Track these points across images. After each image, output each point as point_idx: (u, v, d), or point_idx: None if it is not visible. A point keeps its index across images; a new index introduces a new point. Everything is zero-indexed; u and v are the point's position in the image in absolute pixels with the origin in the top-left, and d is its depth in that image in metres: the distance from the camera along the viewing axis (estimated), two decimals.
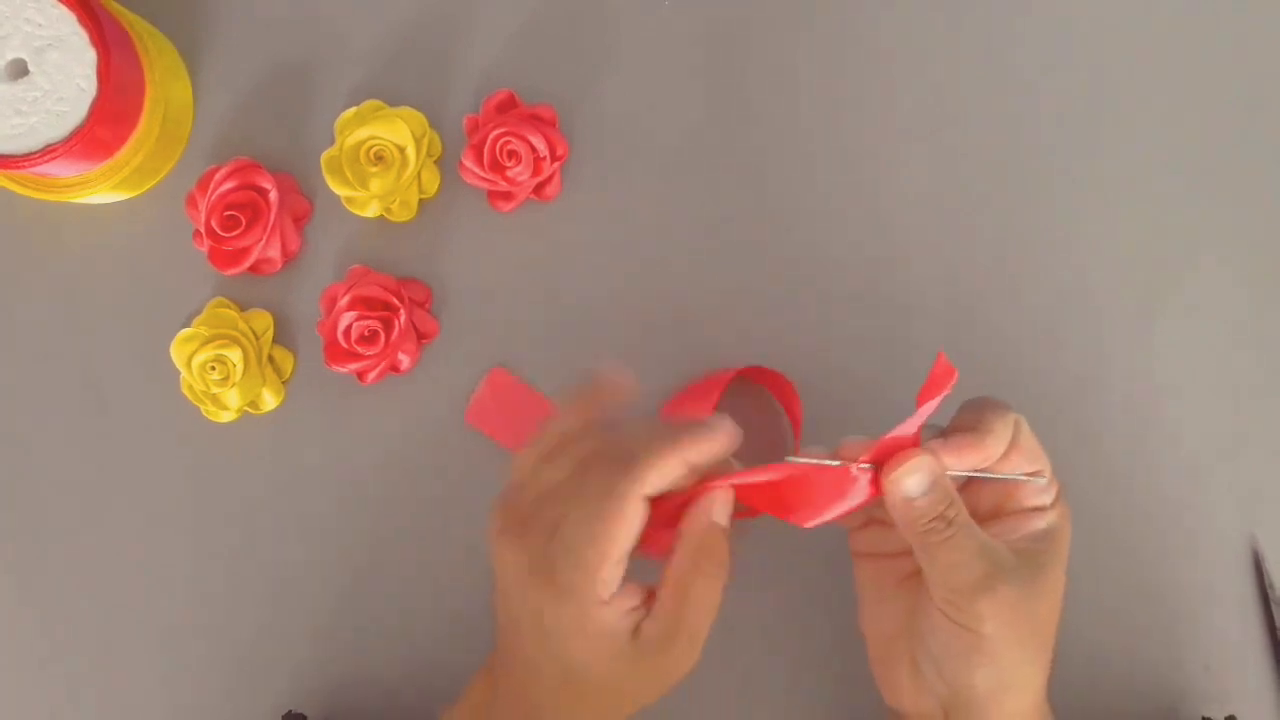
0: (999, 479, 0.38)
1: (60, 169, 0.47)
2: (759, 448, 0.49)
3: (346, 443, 0.50)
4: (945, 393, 0.36)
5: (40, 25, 0.45)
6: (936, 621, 0.37)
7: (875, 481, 0.37)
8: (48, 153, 0.45)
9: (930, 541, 0.37)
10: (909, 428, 0.36)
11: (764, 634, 0.49)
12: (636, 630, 0.37)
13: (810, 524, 0.37)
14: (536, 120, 0.49)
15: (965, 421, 0.38)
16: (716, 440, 0.38)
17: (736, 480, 0.37)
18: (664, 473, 0.36)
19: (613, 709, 0.39)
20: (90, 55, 0.45)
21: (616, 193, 0.51)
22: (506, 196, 0.50)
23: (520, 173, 0.49)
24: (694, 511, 0.38)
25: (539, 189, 0.50)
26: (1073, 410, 0.50)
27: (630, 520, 0.36)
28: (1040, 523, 0.38)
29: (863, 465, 0.37)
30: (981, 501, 0.39)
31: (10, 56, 0.45)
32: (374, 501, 0.50)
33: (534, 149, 0.48)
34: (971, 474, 0.38)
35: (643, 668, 0.37)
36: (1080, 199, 0.51)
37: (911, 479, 0.36)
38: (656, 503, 0.37)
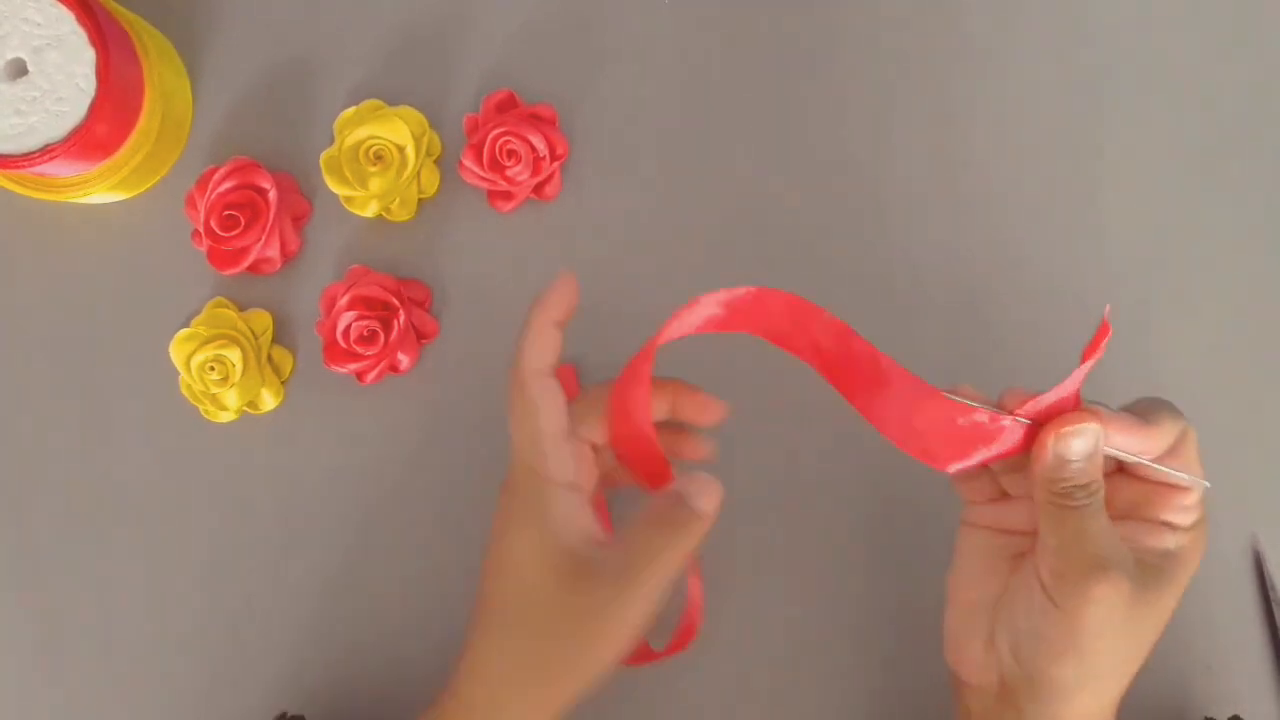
0: (1149, 473, 0.36)
1: (59, 169, 0.47)
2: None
3: (346, 443, 0.50)
4: (1100, 355, 0.35)
5: (39, 25, 0.45)
6: (1036, 600, 0.35)
7: (1028, 437, 0.36)
8: (47, 152, 0.45)
9: (1066, 505, 0.35)
10: (1068, 387, 0.35)
11: (769, 629, 0.49)
12: (585, 559, 0.36)
13: (953, 469, 0.36)
14: (536, 120, 0.49)
15: (1137, 408, 0.37)
16: (560, 292, 0.39)
17: (886, 390, 0.36)
18: (536, 339, 0.39)
19: (560, 666, 0.37)
20: (89, 55, 0.45)
21: (616, 193, 0.51)
22: (506, 196, 0.50)
23: (520, 172, 0.49)
24: (688, 486, 0.37)
25: (539, 189, 0.50)
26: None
27: (537, 396, 0.38)
28: (1169, 541, 0.36)
29: (1020, 418, 0.36)
30: (1119, 499, 0.37)
31: (9, 56, 0.45)
32: (373, 501, 0.50)
33: (534, 148, 0.48)
34: (1131, 458, 0.36)
35: (581, 599, 0.36)
36: (1081, 199, 0.51)
37: (1078, 440, 0.35)
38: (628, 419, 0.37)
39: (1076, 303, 0.50)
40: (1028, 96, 0.51)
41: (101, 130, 0.46)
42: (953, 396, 0.36)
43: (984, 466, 0.37)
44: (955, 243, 0.51)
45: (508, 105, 0.50)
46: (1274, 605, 0.48)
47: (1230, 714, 0.48)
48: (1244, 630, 0.49)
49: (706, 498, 0.37)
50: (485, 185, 0.49)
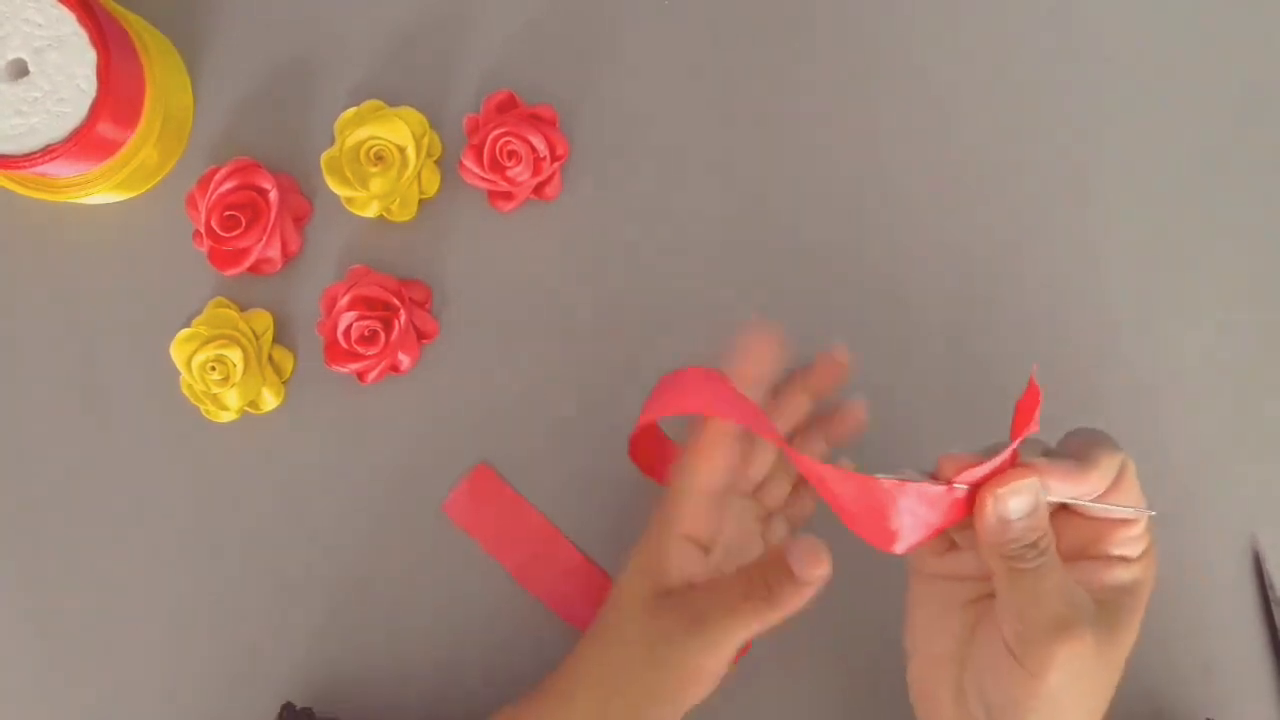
0: (1093, 513, 0.36)
1: (60, 169, 0.47)
2: None
3: (346, 443, 0.50)
4: (1035, 427, 0.34)
5: (40, 25, 0.45)
6: (999, 659, 0.35)
7: (967, 500, 0.35)
8: (48, 153, 0.45)
9: (1017, 568, 0.34)
10: (1005, 453, 0.35)
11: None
12: (675, 594, 0.40)
13: (900, 549, 0.35)
14: (536, 120, 0.49)
15: (1071, 448, 0.36)
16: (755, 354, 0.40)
17: (828, 484, 0.35)
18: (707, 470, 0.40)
19: (625, 684, 0.40)
20: (90, 55, 0.45)
21: (616, 193, 0.51)
22: (507, 196, 0.50)
23: (520, 173, 0.49)
24: (794, 549, 0.37)
25: (539, 189, 0.50)
26: (1073, 410, 0.50)
27: (710, 448, 0.40)
28: (1124, 574, 0.36)
29: (959, 485, 0.35)
30: (1066, 539, 0.37)
31: (10, 57, 0.45)
32: (374, 501, 0.50)
33: (534, 149, 0.48)
34: (1071, 501, 0.35)
35: (648, 642, 0.39)
36: (1082, 199, 0.51)
37: (1017, 500, 0.34)
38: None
39: (1077, 303, 0.51)
40: (1027, 98, 0.51)
41: (102, 131, 0.46)
42: (889, 477, 0.35)
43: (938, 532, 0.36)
44: (955, 244, 0.51)
45: (508, 106, 0.50)
46: (1274, 605, 0.48)
47: (1230, 715, 0.48)
48: (1244, 630, 0.49)
49: (810, 566, 0.37)
50: (486, 186, 0.50)
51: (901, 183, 0.51)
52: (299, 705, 0.48)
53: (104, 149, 0.47)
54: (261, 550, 0.50)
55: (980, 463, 0.35)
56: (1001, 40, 0.52)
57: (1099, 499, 0.35)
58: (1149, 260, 0.51)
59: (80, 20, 0.45)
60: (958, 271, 0.51)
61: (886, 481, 0.34)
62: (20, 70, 0.46)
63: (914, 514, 0.35)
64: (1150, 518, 0.36)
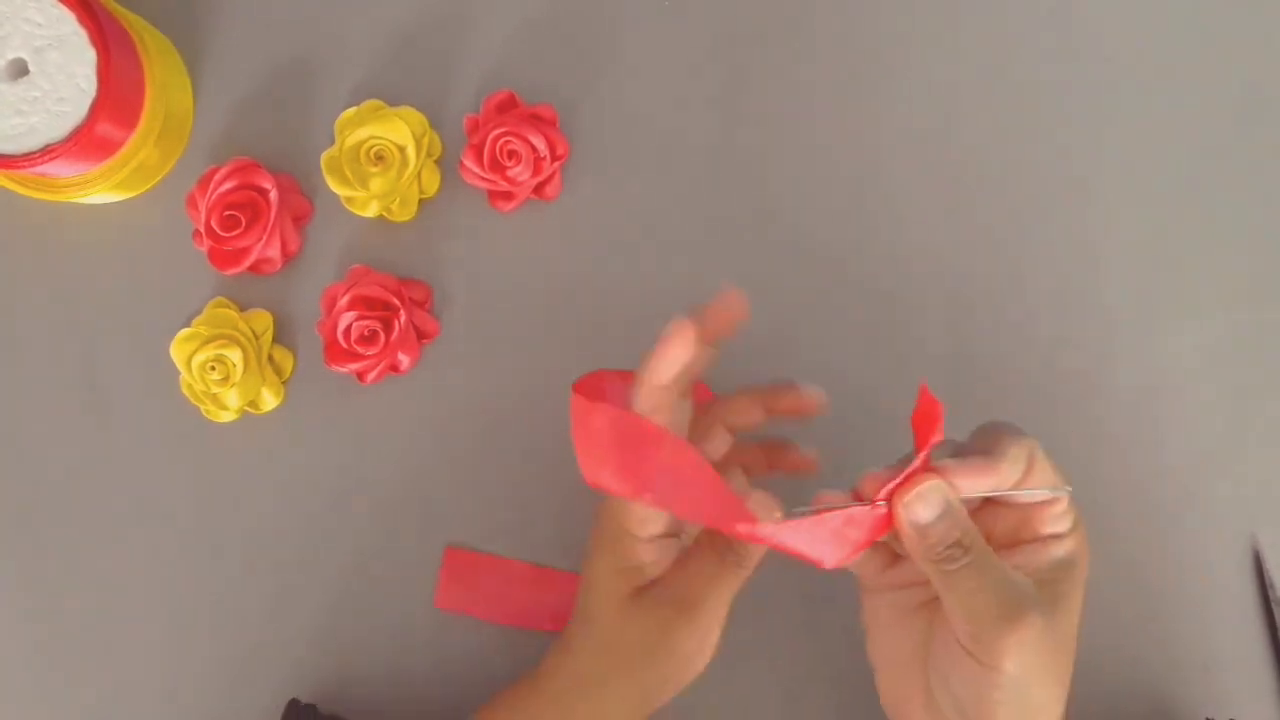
0: (1015, 500, 0.37)
1: (60, 169, 0.47)
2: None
3: (346, 443, 0.50)
4: (939, 425, 0.35)
5: (40, 25, 0.45)
6: (955, 657, 0.36)
7: (890, 514, 0.36)
8: (48, 153, 0.45)
9: (947, 570, 0.35)
10: (919, 459, 0.35)
11: (754, 657, 0.49)
12: (650, 580, 0.40)
13: (832, 566, 0.36)
14: (537, 120, 0.49)
15: (979, 444, 0.37)
16: (673, 344, 0.37)
17: (774, 538, 0.35)
18: (650, 386, 0.37)
19: (623, 686, 0.40)
20: (90, 55, 0.45)
21: (616, 193, 0.51)
22: (507, 196, 0.50)
23: (520, 172, 0.49)
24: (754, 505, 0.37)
25: (539, 189, 0.50)
26: (1073, 410, 0.50)
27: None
28: (1059, 550, 0.37)
29: (879, 503, 0.35)
30: (997, 530, 0.38)
31: (10, 56, 0.45)
32: (374, 501, 0.50)
33: (534, 149, 0.48)
34: (989, 494, 0.36)
35: (641, 632, 0.39)
36: (1082, 199, 0.51)
37: (922, 504, 0.35)
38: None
39: (1077, 303, 0.51)
40: (1027, 98, 0.51)
41: (102, 130, 0.46)
42: (805, 511, 0.35)
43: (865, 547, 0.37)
44: (956, 244, 0.51)
45: (508, 105, 0.50)
46: (1273, 605, 0.48)
47: (1229, 715, 0.48)
48: (1244, 630, 0.49)
49: (767, 515, 0.37)
50: (486, 185, 0.50)
51: (902, 183, 0.51)
52: (309, 706, 0.48)
53: (104, 149, 0.47)
54: (261, 550, 0.50)
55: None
56: (1002, 40, 0.52)
57: (1015, 486, 0.36)
58: (1149, 260, 0.51)
59: (80, 20, 0.45)
60: (958, 271, 0.51)
61: (804, 520, 0.35)
62: (20, 70, 0.46)
63: (840, 536, 0.35)
64: (1068, 491, 0.37)
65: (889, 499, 0.35)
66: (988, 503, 0.38)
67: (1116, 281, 0.51)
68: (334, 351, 0.49)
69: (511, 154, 0.48)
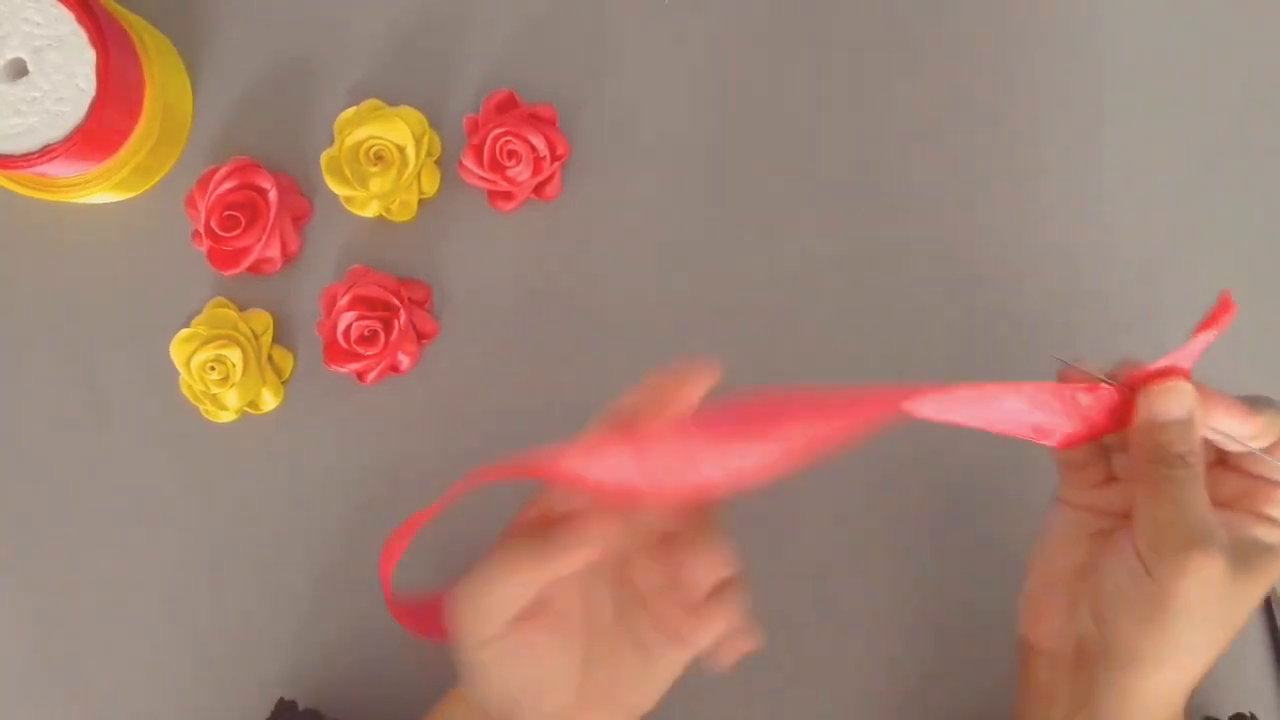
0: (1249, 466, 0.37)
1: (60, 169, 0.47)
2: None
3: (346, 443, 0.50)
4: (1219, 330, 0.36)
5: (39, 25, 0.45)
6: (1130, 568, 0.35)
7: (1129, 410, 0.36)
8: (47, 153, 0.45)
9: (1164, 475, 0.35)
10: (1182, 358, 0.36)
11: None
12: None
13: (1064, 444, 0.37)
14: (536, 120, 0.49)
15: (1243, 399, 0.37)
16: (560, 558, 0.36)
17: (981, 399, 0.36)
18: (504, 589, 0.37)
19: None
20: (90, 55, 0.45)
21: (616, 193, 0.51)
22: (506, 196, 0.50)
23: (520, 172, 0.49)
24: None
25: (539, 189, 0.50)
26: None
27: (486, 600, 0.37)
28: (1268, 535, 0.36)
29: (1111, 385, 0.36)
30: (1221, 488, 0.37)
31: (9, 56, 0.45)
32: (373, 501, 0.50)
33: (534, 149, 0.48)
34: (1230, 442, 0.36)
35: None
36: (1081, 199, 0.51)
37: (1168, 400, 0.35)
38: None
39: (1077, 304, 0.50)
40: (1027, 98, 0.51)
41: (101, 130, 0.46)
42: (1066, 368, 0.36)
43: (1096, 443, 0.37)
44: (956, 244, 0.51)
45: (508, 105, 0.50)
46: (1273, 605, 0.48)
47: (1229, 715, 0.48)
48: (1244, 630, 0.49)
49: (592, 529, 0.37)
50: (485, 185, 0.49)
51: (902, 182, 0.51)
52: (301, 706, 0.48)
53: (103, 149, 0.47)
54: (260, 549, 0.50)
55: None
56: (1003, 40, 0.52)
57: (1260, 447, 0.36)
58: (1149, 260, 0.51)
59: (79, 20, 0.45)
60: (958, 270, 0.50)
61: (1064, 371, 0.36)
62: (19, 70, 0.45)
63: (1078, 412, 0.36)
64: None
65: (1135, 387, 0.36)
66: (1221, 462, 0.38)
67: (1117, 282, 0.51)
68: (334, 351, 0.49)
69: (511, 154, 0.48)
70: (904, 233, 0.51)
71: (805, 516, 0.49)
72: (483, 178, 0.49)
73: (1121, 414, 0.37)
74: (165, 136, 0.50)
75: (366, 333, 0.48)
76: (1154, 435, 0.35)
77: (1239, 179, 0.51)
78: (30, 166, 0.45)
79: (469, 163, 0.49)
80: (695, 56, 0.52)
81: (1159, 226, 0.51)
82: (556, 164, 0.49)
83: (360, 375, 0.49)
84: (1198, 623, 0.35)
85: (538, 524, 0.39)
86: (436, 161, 0.51)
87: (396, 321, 0.48)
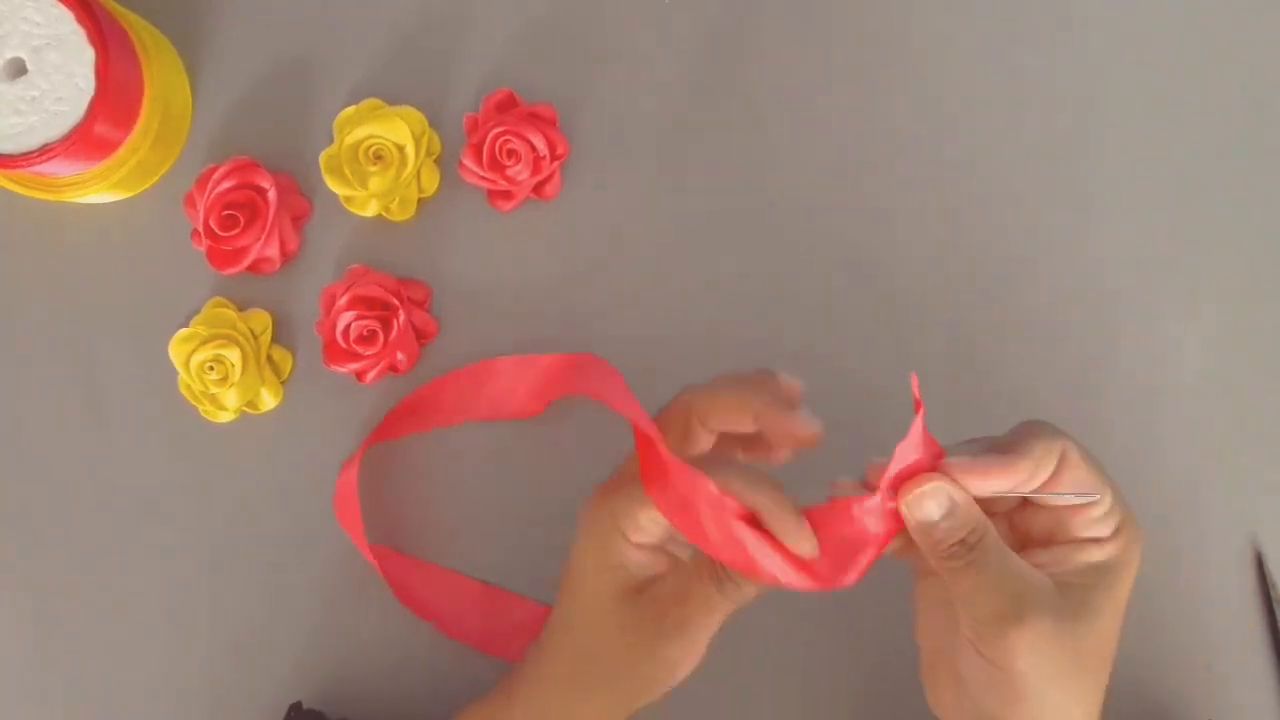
0: (1045, 501, 0.36)
1: (58, 168, 0.47)
2: None
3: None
4: (920, 420, 0.35)
5: (39, 24, 0.45)
6: (972, 657, 0.35)
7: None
8: (46, 152, 0.45)
9: (950, 568, 0.35)
10: (910, 448, 0.35)
11: (766, 652, 0.49)
12: (641, 584, 0.38)
13: (852, 581, 0.35)
14: (536, 119, 0.49)
15: (1003, 443, 0.36)
16: (765, 386, 0.37)
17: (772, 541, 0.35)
18: (710, 408, 0.37)
19: (601, 695, 0.39)
20: (89, 54, 0.45)
21: (616, 192, 0.51)
22: (506, 195, 0.50)
23: (520, 172, 0.48)
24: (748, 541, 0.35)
25: (539, 188, 0.50)
26: (1073, 411, 0.50)
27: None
28: (1095, 555, 0.36)
29: (881, 503, 0.35)
30: (1034, 527, 0.37)
31: (9, 55, 0.45)
32: (372, 501, 0.50)
33: (534, 148, 0.48)
34: (1009, 494, 0.35)
35: (626, 636, 0.38)
36: (1081, 199, 0.51)
37: (927, 502, 0.35)
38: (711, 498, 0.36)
39: (1077, 304, 0.50)
40: (1027, 98, 0.51)
41: (100, 130, 0.46)
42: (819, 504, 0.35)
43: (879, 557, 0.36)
44: (956, 245, 0.51)
45: (508, 105, 0.50)
46: (1274, 605, 0.48)
47: (1230, 715, 0.48)
48: (1244, 630, 0.49)
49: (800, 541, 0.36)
50: (485, 185, 0.49)
51: (903, 181, 0.51)
52: (306, 706, 0.48)
53: (102, 148, 0.47)
54: (260, 549, 0.50)
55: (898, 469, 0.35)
56: (1003, 41, 0.52)
57: (1041, 488, 0.35)
58: (1149, 260, 0.51)
59: (78, 19, 0.45)
60: (958, 271, 0.50)
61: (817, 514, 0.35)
62: (18, 69, 0.45)
63: (853, 549, 0.35)
64: (1095, 499, 0.36)
65: (897, 493, 0.35)
66: (1026, 503, 0.37)
67: (1117, 281, 0.51)
68: (333, 351, 0.49)
69: (511, 153, 0.48)
70: (903, 232, 0.51)
71: None
72: (482, 177, 0.49)
73: (891, 527, 0.35)
74: (164, 136, 0.50)
75: (366, 332, 0.48)
76: (928, 536, 0.35)
77: (1239, 179, 0.51)
78: (29, 166, 0.45)
79: (469, 162, 0.49)
80: (695, 56, 0.52)
81: (1157, 225, 0.51)
82: (556, 163, 0.49)
83: (359, 375, 0.49)
84: (1056, 682, 0.35)
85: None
86: (436, 161, 0.51)
87: (396, 321, 0.48)
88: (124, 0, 0.51)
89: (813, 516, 0.35)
